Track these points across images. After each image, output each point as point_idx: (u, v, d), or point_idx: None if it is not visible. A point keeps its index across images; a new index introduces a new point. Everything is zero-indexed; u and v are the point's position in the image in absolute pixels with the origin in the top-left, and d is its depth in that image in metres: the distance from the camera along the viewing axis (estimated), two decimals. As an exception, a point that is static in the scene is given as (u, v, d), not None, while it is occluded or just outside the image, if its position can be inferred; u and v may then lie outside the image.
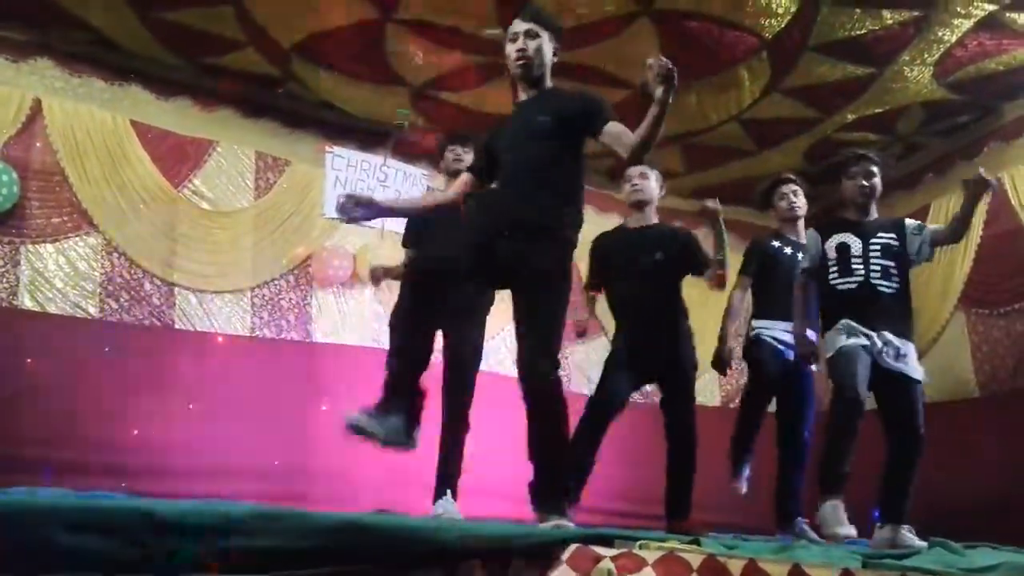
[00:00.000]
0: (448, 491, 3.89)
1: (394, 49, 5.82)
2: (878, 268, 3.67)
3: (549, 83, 3.13)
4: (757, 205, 4.78)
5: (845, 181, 3.88)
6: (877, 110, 6.50)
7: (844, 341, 3.58)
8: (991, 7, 5.26)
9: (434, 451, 3.91)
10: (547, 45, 3.07)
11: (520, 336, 2.92)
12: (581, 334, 4.31)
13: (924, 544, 3.25)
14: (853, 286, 3.66)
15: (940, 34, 5.55)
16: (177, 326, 6.10)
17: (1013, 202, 6.37)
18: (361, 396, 2.95)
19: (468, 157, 4.11)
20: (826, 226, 3.90)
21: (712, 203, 3.97)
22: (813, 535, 4.00)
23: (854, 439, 3.46)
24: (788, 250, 4.38)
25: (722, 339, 4.32)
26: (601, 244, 4.22)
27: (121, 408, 5.55)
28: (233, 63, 6.18)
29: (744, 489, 4.38)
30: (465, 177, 3.22)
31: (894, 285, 3.68)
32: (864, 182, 3.82)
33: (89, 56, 6.05)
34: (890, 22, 5.41)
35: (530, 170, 2.99)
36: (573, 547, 1.95)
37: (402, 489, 5.60)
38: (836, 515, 3.42)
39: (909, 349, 3.61)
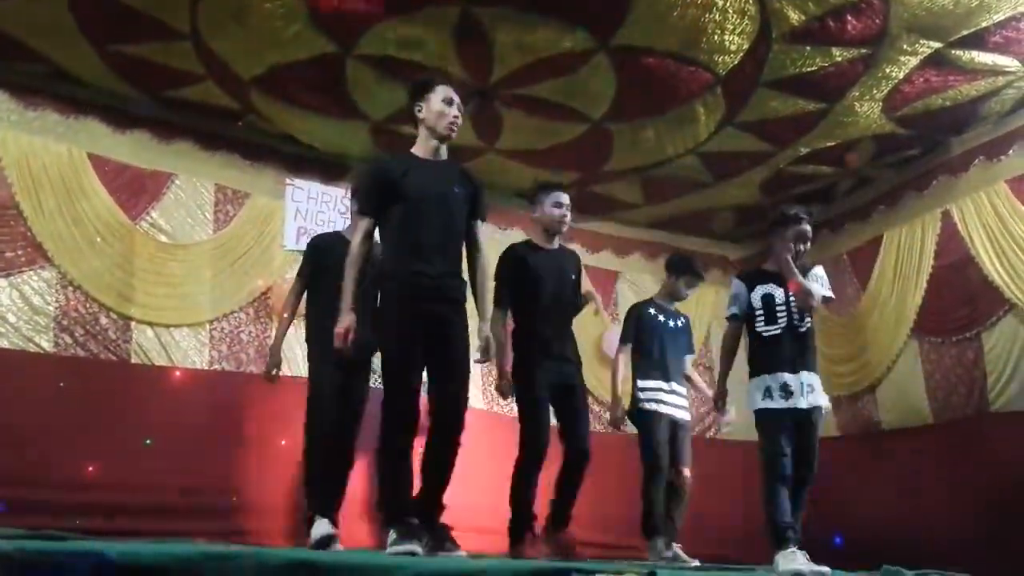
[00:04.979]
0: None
1: (355, 83, 5.85)
2: (797, 311, 4.07)
3: None
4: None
5: (778, 242, 4.14)
6: (829, 143, 6.64)
7: (765, 404, 3.98)
8: (936, 44, 5.41)
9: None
10: None
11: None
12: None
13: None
14: (778, 331, 4.06)
15: (888, 71, 5.69)
16: (133, 360, 6.00)
17: (962, 233, 6.51)
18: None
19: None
20: (748, 277, 4.28)
21: None
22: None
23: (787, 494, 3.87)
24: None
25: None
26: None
27: (75, 445, 5.44)
28: (192, 96, 6.16)
29: None
30: (368, 225, 3.44)
31: (807, 323, 4.12)
32: (800, 246, 4.12)
33: (45, 89, 5.99)
34: (839, 59, 5.54)
35: (454, 237, 3.51)
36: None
37: (357, 524, 5.57)
38: (796, 559, 3.64)
39: (815, 380, 4.03)
